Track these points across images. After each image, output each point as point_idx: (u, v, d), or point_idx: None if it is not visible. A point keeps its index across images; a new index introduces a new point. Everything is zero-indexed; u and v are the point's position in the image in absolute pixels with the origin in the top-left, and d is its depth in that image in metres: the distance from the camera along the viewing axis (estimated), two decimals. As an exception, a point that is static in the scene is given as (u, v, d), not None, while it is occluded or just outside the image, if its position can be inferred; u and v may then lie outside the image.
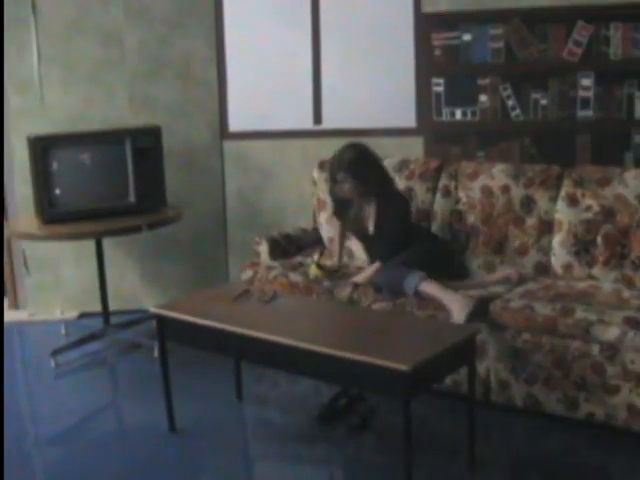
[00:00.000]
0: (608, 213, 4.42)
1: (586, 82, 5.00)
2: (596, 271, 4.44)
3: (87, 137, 5.22)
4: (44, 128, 5.42)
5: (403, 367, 3.18)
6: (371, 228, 4.73)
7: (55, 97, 5.70)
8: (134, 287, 5.96)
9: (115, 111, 5.71)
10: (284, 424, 4.27)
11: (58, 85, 5.69)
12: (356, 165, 4.56)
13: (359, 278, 4.58)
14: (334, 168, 4.61)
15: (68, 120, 5.62)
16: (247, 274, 4.92)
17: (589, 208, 4.47)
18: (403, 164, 5.05)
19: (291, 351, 3.51)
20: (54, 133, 5.24)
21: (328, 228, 5.20)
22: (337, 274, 4.75)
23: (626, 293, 4.18)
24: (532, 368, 4.04)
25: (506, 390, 4.14)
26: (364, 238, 4.84)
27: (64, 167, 5.03)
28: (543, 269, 4.60)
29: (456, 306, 4.11)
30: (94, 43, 5.65)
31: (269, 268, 4.89)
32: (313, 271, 4.70)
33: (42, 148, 4.95)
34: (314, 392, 4.47)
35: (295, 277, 4.75)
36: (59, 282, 5.95)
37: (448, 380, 4.18)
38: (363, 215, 4.75)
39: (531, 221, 4.62)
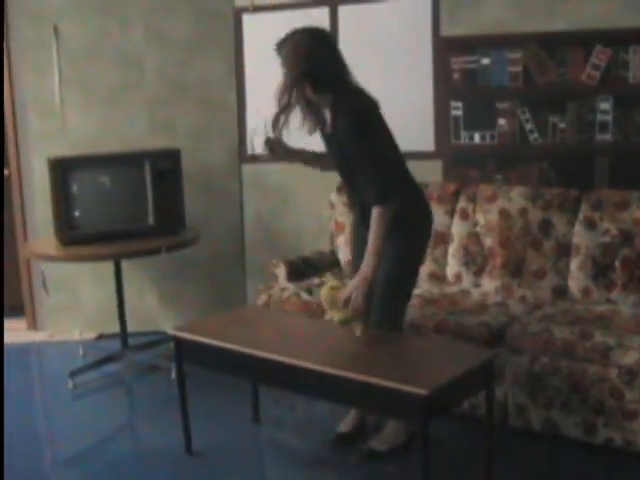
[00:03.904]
0: (626, 237, 4.40)
1: (604, 106, 4.99)
2: (614, 295, 4.43)
3: (107, 159, 5.25)
4: (64, 150, 5.47)
5: (422, 391, 3.17)
6: (333, 140, 3.81)
7: (75, 119, 5.75)
8: (152, 309, 5.98)
9: (134, 134, 5.75)
10: (301, 448, 4.25)
11: (78, 107, 5.74)
12: (291, 51, 3.69)
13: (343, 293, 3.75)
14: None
15: (87, 142, 5.67)
16: (262, 299, 4.94)
17: (607, 232, 4.46)
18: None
19: (308, 374, 3.51)
20: (74, 155, 5.29)
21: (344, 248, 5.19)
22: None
23: (645, 317, 4.16)
24: (550, 392, 4.02)
25: (524, 414, 4.12)
26: (332, 155, 3.93)
27: (84, 189, 5.06)
28: (561, 292, 4.59)
29: None
30: (114, 66, 5.71)
31: (283, 289, 4.92)
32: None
33: (62, 170, 4.99)
34: (332, 415, 4.44)
35: (307, 297, 4.78)
36: (77, 303, 5.97)
37: (465, 403, 4.17)
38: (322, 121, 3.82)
39: (549, 244, 4.62)
